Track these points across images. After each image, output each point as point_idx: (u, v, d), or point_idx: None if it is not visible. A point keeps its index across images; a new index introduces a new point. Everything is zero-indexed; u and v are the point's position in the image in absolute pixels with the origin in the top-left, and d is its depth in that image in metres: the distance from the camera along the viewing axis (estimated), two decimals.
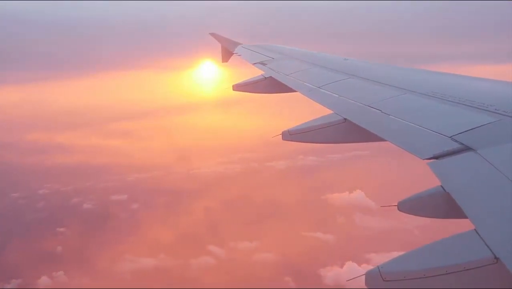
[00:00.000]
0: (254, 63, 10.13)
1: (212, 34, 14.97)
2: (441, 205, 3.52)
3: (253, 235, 37.32)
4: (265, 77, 8.68)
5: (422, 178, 3.88)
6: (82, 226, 40.69)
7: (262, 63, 9.87)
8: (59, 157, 55.21)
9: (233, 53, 13.13)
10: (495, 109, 4.28)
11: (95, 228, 40.32)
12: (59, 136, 61.89)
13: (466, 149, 3.71)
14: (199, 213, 41.77)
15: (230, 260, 35.19)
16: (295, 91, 7.48)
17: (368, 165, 47.19)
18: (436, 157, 3.77)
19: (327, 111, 5.76)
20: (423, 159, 3.82)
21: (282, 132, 5.76)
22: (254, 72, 9.32)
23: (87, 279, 33.54)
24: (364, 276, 3.04)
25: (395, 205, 3.94)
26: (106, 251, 36.73)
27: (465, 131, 3.99)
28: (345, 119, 5.37)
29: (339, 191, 43.46)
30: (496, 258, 2.56)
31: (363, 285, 3.03)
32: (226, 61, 14.06)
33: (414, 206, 3.84)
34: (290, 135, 5.72)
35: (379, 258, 33.74)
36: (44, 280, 34.24)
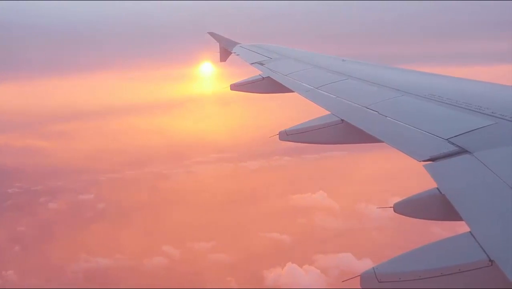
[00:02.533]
0: (252, 63, 10.13)
1: (211, 33, 14.96)
2: (437, 207, 3.53)
3: (212, 235, 37.49)
4: (263, 77, 8.68)
5: (419, 179, 3.89)
6: (44, 225, 40.56)
7: (260, 63, 9.87)
8: (33, 156, 54.81)
9: (231, 53, 13.12)
10: (492, 112, 4.30)
11: (56, 227, 40.19)
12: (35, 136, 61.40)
13: (463, 151, 3.72)
14: (163, 213, 41.73)
15: (182, 260, 35.40)
16: (292, 91, 7.48)
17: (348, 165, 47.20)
18: (432, 159, 3.78)
19: (325, 112, 5.76)
20: (420, 161, 3.83)
21: (279, 132, 5.76)
22: (252, 72, 9.33)
23: (37, 279, 33.42)
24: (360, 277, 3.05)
25: (391, 207, 3.95)
26: (63, 251, 36.70)
27: (462, 134, 4.00)
28: (342, 120, 5.38)
29: (302, 191, 43.49)
30: (490, 260, 2.57)
31: (358, 285, 3.03)
32: (224, 60, 14.06)
33: (410, 207, 3.85)
34: (287, 135, 5.73)
35: (325, 260, 33.99)
36: None
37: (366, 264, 32.70)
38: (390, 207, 3.94)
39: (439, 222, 3.79)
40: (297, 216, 39.57)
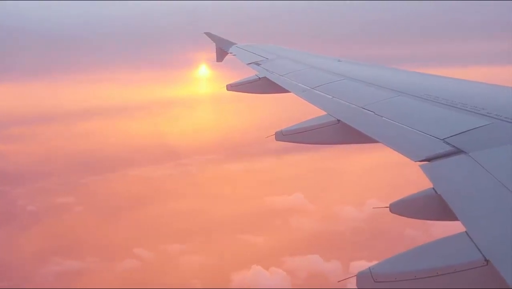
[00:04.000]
0: (249, 63, 10.14)
1: (207, 34, 14.96)
2: (433, 207, 3.54)
3: (187, 237, 37.52)
4: (259, 78, 8.68)
5: (415, 179, 3.90)
6: (18, 228, 40.37)
7: (257, 64, 9.88)
8: (13, 156, 54.37)
9: (228, 53, 13.13)
10: (487, 112, 4.31)
11: (31, 230, 40.03)
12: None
13: (458, 151, 3.73)
14: (139, 215, 41.61)
15: (154, 262, 35.43)
16: (289, 92, 7.49)
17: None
18: (428, 159, 3.79)
19: (321, 112, 5.77)
20: (416, 161, 3.84)
21: (276, 132, 5.77)
22: (248, 72, 9.33)
23: (4, 282, 33.27)
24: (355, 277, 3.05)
25: (386, 207, 3.96)
26: (35, 254, 36.61)
27: (457, 134, 4.01)
28: (338, 120, 5.39)
29: (284, 193, 43.49)
30: (486, 260, 2.58)
31: (354, 285, 3.03)
32: (221, 60, 14.06)
33: (406, 207, 3.86)
34: (283, 135, 5.73)
35: (293, 262, 34.13)
36: None
37: (334, 266, 33.01)
38: (386, 207, 3.95)
39: (435, 222, 3.80)
40: (274, 218, 39.58)
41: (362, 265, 31.70)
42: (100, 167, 49.68)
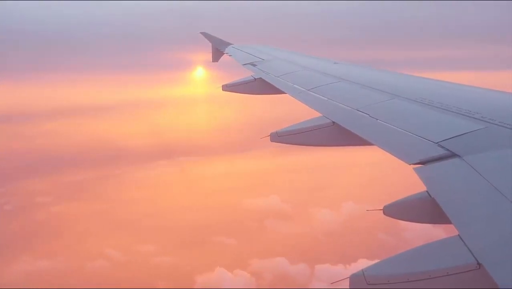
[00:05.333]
0: (244, 64, 10.14)
1: (203, 34, 14.94)
2: (427, 210, 3.55)
3: (162, 238, 37.48)
4: (255, 78, 8.68)
5: (409, 182, 3.91)
6: None
7: (252, 64, 9.88)
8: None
9: (224, 53, 13.12)
10: (481, 116, 4.33)
11: (3, 230, 39.81)
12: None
13: (452, 155, 3.75)
14: (117, 215, 41.49)
15: (123, 263, 35.41)
16: (284, 93, 7.50)
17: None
18: (422, 162, 3.80)
19: (316, 114, 5.78)
20: (410, 164, 3.85)
21: (271, 133, 5.77)
22: (244, 73, 9.33)
23: None
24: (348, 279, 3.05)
25: (380, 209, 3.96)
26: (5, 253, 36.47)
27: (452, 137, 4.03)
28: (333, 122, 5.39)
29: (260, 195, 43.51)
30: (478, 264, 2.59)
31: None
32: (216, 61, 14.05)
33: (399, 210, 3.87)
34: (278, 137, 5.74)
35: (260, 264, 34.26)
36: None
37: (300, 269, 33.19)
38: (380, 210, 3.96)
39: (428, 225, 3.81)
40: (252, 220, 39.59)
41: (325, 268, 32.14)
42: (80, 166, 49.33)
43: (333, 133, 5.38)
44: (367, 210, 4.21)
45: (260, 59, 10.22)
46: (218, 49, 13.70)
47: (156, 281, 32.95)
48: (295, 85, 7.46)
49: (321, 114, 5.68)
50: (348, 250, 32.74)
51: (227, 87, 8.90)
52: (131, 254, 35.95)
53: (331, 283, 3.33)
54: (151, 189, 46.35)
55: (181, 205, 42.12)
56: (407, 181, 3.96)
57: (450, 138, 4.02)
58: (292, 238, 36.72)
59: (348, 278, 3.02)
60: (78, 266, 35.06)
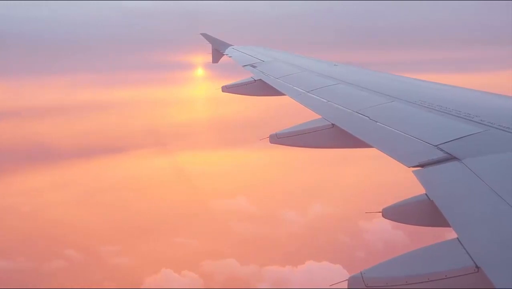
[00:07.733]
0: (244, 65, 10.14)
1: (203, 35, 14.95)
2: (426, 212, 3.55)
3: (123, 238, 37.35)
4: (255, 80, 8.69)
5: (408, 185, 3.91)
6: None
7: (252, 66, 9.88)
8: None
9: (224, 55, 13.13)
10: (481, 120, 4.34)
11: None
12: None
13: (451, 158, 3.75)
14: (81, 215, 41.31)
15: (81, 263, 35.35)
16: (284, 94, 7.50)
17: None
18: (421, 165, 3.80)
19: (316, 116, 5.78)
20: (409, 167, 3.85)
21: (270, 135, 5.77)
22: (244, 74, 9.34)
23: None
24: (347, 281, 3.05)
25: (379, 212, 3.97)
26: None
27: (451, 140, 4.03)
28: (333, 124, 5.40)
29: (223, 196, 43.38)
30: (477, 267, 2.59)
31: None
32: (216, 62, 14.06)
33: (398, 213, 3.87)
34: (277, 138, 5.74)
35: (211, 266, 34.25)
36: None
37: (250, 270, 33.19)
38: (379, 212, 3.96)
39: (427, 227, 3.81)
40: (221, 221, 39.48)
41: (273, 270, 32.23)
42: (49, 164, 48.87)
43: (333, 136, 5.38)
44: (366, 212, 4.20)
45: (260, 61, 10.22)
46: (218, 51, 13.71)
47: (104, 281, 32.97)
48: (294, 87, 7.46)
49: (321, 116, 5.69)
50: (302, 252, 32.79)
51: (227, 89, 8.91)
52: (89, 255, 35.76)
53: (330, 285, 3.32)
54: (126, 187, 45.84)
55: (154, 204, 41.77)
56: (406, 183, 3.96)
57: (450, 141, 4.02)
58: (255, 240, 36.60)
59: (347, 280, 3.02)
60: (36, 267, 34.91)
